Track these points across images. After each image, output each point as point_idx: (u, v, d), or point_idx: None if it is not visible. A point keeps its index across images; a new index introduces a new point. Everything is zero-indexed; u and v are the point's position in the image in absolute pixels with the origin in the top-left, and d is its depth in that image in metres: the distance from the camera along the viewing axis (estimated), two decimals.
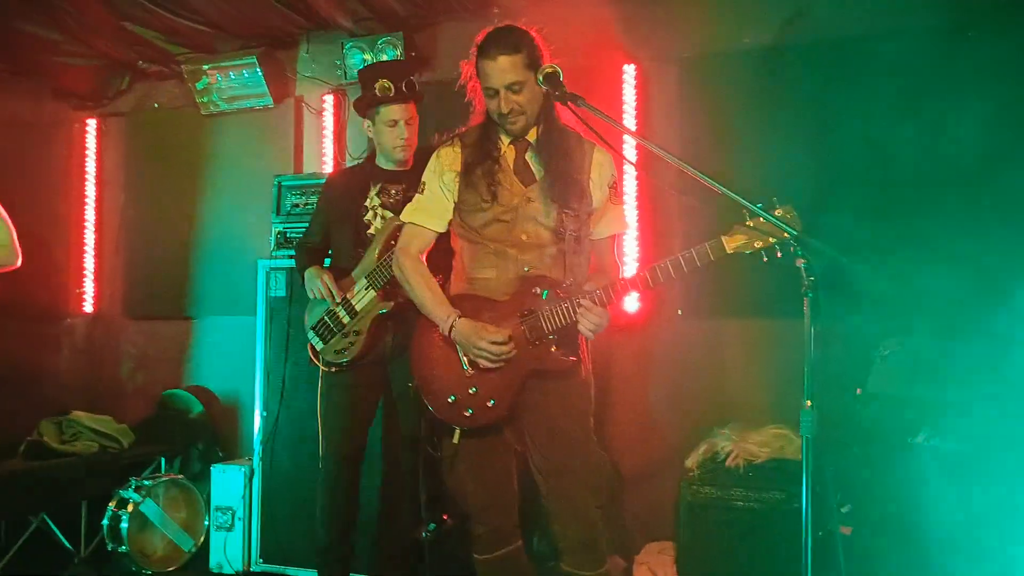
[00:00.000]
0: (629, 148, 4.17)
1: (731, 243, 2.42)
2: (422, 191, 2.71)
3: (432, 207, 2.69)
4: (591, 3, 4.33)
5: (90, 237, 5.52)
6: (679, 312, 4.19)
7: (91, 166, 5.54)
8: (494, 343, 2.51)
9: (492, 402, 2.56)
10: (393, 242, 3.22)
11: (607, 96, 4.25)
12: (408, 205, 2.77)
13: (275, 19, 4.71)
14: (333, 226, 3.49)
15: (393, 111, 3.33)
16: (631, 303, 4.21)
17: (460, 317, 2.56)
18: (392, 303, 3.28)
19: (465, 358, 2.58)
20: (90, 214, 5.52)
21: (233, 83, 5.02)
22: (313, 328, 3.45)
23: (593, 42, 4.30)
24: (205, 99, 5.11)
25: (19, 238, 4.82)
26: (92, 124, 5.56)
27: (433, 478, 2.85)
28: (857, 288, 3.34)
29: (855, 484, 3.29)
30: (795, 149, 3.91)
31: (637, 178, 4.25)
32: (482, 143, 2.65)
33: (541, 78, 2.51)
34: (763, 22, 4.10)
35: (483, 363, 2.54)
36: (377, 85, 3.33)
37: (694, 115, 4.19)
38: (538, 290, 2.57)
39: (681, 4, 4.27)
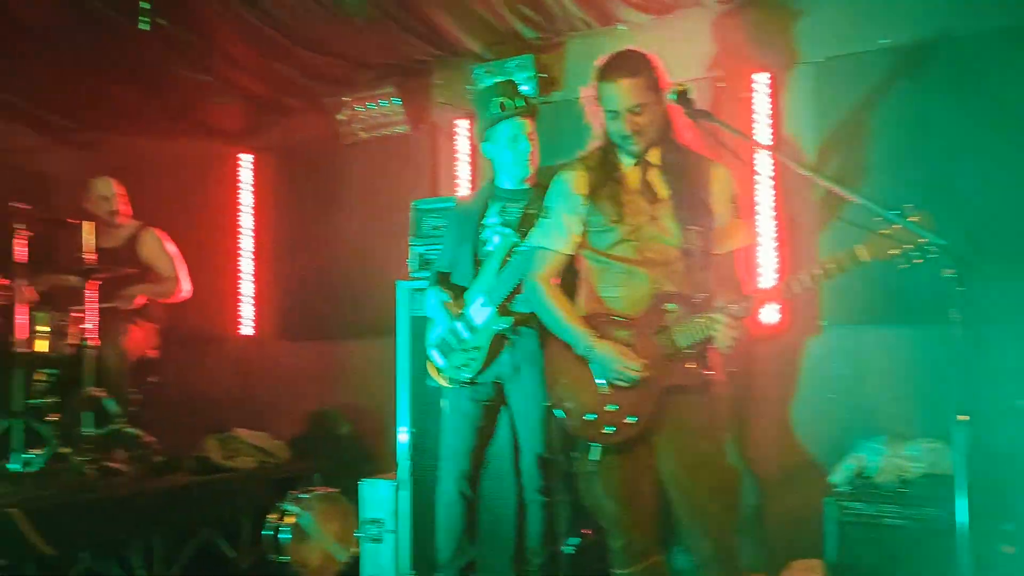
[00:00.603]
0: (764, 159, 4.12)
1: (866, 251, 2.38)
2: (547, 215, 2.79)
3: (559, 230, 2.76)
4: (717, 14, 4.30)
5: (247, 264, 5.88)
6: (822, 323, 4.08)
7: (246, 198, 5.91)
8: (630, 366, 2.54)
9: (632, 419, 2.59)
10: (508, 258, 3.31)
11: (738, 107, 4.20)
12: (534, 230, 2.84)
13: (408, 49, 4.90)
14: (456, 246, 3.57)
15: (512, 127, 3.38)
16: (769, 314, 4.13)
17: (597, 338, 2.61)
18: (510, 319, 3.31)
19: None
20: (247, 243, 5.89)
21: (372, 112, 5.25)
22: (434, 346, 3.52)
23: (722, 52, 4.27)
24: (346, 129, 5.37)
25: (189, 269, 5.23)
26: (246, 159, 5.93)
27: (572, 494, 2.89)
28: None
29: (1018, 501, 3.11)
30: (936, 151, 3.75)
31: (773, 189, 4.18)
32: (604, 165, 2.71)
33: (674, 96, 2.55)
34: (901, 19, 3.96)
35: (619, 383, 2.58)
36: (494, 102, 3.39)
37: (830, 120, 4.09)
38: (669, 307, 2.59)
39: (813, 6, 4.18)
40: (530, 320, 3.29)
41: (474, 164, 5.08)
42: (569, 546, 3.39)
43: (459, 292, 3.47)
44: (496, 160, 3.48)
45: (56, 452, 4.26)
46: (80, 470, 4.16)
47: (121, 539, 4.15)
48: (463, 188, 5.05)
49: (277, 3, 4.47)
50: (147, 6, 4.51)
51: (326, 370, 5.54)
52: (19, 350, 4.31)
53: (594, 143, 2.77)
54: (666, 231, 2.64)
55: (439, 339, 3.49)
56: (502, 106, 3.38)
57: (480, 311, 3.36)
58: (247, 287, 5.88)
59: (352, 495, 4.58)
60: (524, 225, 3.32)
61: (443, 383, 3.49)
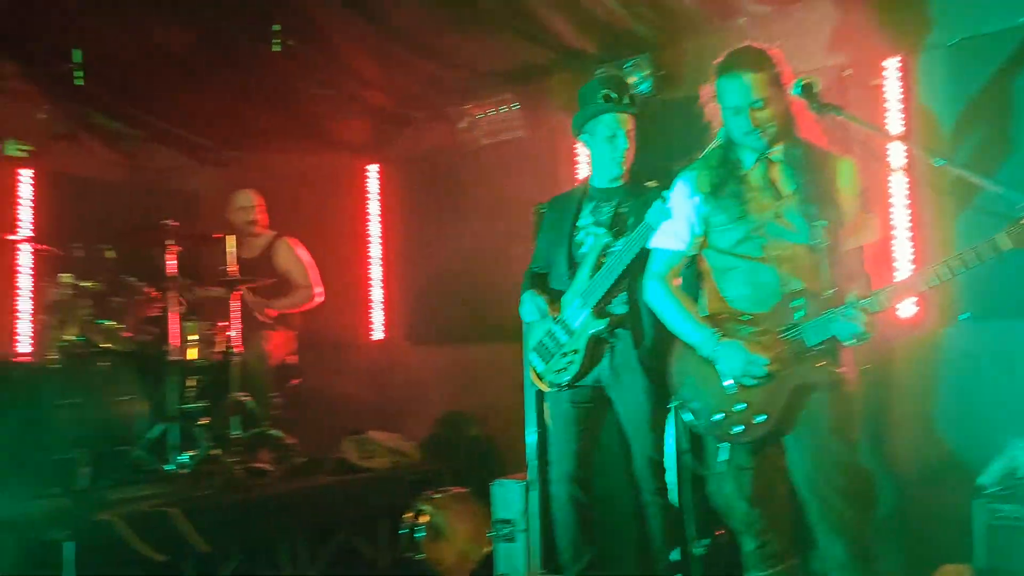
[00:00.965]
0: (896, 148, 3.96)
1: (1008, 240, 2.28)
2: (669, 216, 2.78)
3: (682, 231, 2.75)
4: (840, 4, 4.17)
5: (376, 272, 6.09)
6: (963, 316, 3.90)
7: (374, 207, 6.12)
8: (757, 363, 2.51)
9: (761, 418, 2.56)
10: (603, 259, 3.30)
11: (869, 96, 4.06)
12: (654, 230, 2.84)
13: (526, 54, 4.96)
14: (550, 248, 3.56)
15: (613, 121, 3.34)
16: (906, 308, 3.97)
17: (722, 337, 2.59)
18: (606, 321, 3.29)
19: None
20: (375, 251, 6.09)
21: (492, 119, 5.35)
22: (533, 350, 3.50)
23: (847, 40, 4.13)
24: (468, 137, 5.48)
25: (322, 277, 5.47)
26: (372, 169, 6.14)
27: (700, 495, 2.87)
28: None
29: None
30: None
31: (906, 178, 4.01)
32: (725, 163, 2.68)
33: (798, 90, 2.51)
34: None
35: (746, 382, 2.55)
36: (599, 94, 3.36)
37: (965, 105, 3.89)
38: (798, 304, 2.55)
39: None
40: (626, 321, 3.28)
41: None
42: (700, 547, 3.36)
43: (556, 295, 3.46)
44: (592, 155, 3.45)
45: (208, 454, 4.54)
46: (230, 471, 4.41)
47: (268, 537, 4.37)
48: None
49: (399, 18, 4.63)
50: (278, 28, 4.76)
51: (454, 373, 5.66)
52: (172, 358, 4.61)
53: (715, 141, 2.75)
54: (792, 227, 2.60)
55: (537, 343, 3.47)
56: (606, 98, 3.34)
57: (577, 314, 3.33)
58: (377, 293, 6.08)
59: (483, 495, 4.68)
60: (616, 225, 3.30)
61: (543, 387, 3.48)
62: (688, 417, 2.69)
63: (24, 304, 5.56)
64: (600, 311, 3.29)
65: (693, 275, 2.83)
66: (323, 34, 4.87)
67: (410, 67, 5.08)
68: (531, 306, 3.47)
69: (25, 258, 5.54)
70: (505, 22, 4.57)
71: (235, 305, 4.74)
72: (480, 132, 5.42)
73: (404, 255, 6.01)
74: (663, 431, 3.38)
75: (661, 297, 2.78)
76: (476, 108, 5.34)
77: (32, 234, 5.53)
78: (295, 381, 5.41)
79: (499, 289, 5.20)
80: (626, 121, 3.36)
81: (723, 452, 2.63)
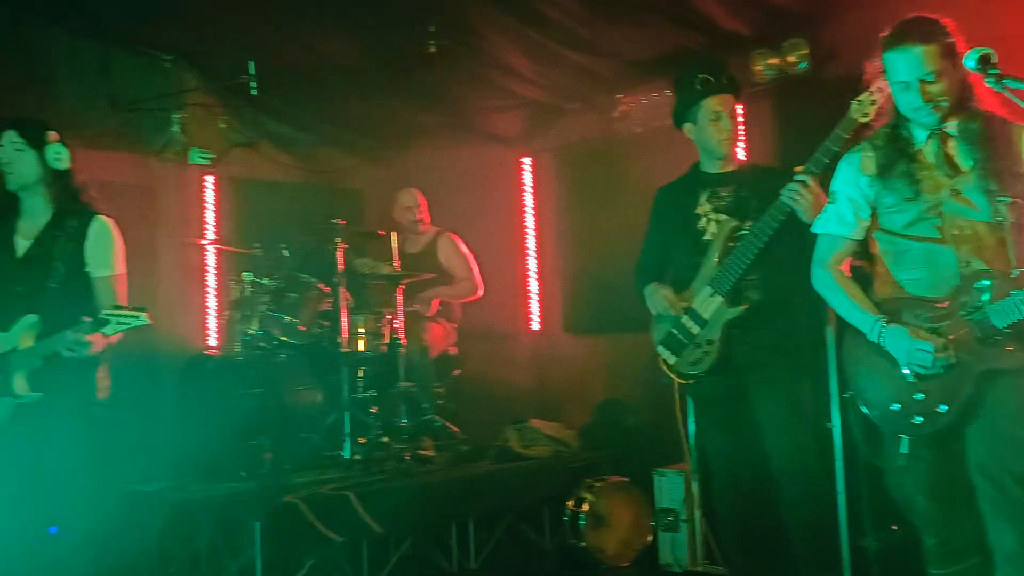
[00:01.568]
0: None
1: None
2: (834, 200, 2.68)
3: (847, 215, 2.65)
4: None
5: (532, 263, 6.18)
6: None
7: (528, 200, 6.21)
8: (924, 349, 2.40)
9: (943, 407, 2.44)
10: (731, 244, 3.19)
11: None
12: (819, 216, 2.75)
13: (678, 39, 4.89)
14: (668, 239, 3.48)
15: (715, 103, 3.26)
16: None
17: (888, 323, 2.49)
18: (742, 307, 3.19)
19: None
20: (531, 242, 6.19)
21: (645, 107, 5.31)
22: (662, 343, 3.40)
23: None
24: (621, 126, 5.47)
25: (480, 270, 5.62)
26: (527, 162, 6.23)
27: (875, 489, 2.77)
28: None
29: None
30: None
31: None
32: (895, 141, 2.56)
33: (975, 62, 2.37)
34: None
35: (921, 370, 2.44)
36: (697, 79, 3.29)
37: None
38: (982, 284, 2.41)
39: None
40: (763, 307, 3.17)
41: (748, 149, 4.98)
42: (876, 542, 3.24)
43: (679, 286, 3.37)
44: (698, 141, 3.37)
45: (378, 441, 4.76)
46: (399, 457, 4.61)
47: (436, 522, 4.54)
48: None
49: (549, 11, 4.67)
50: (434, 30, 4.92)
51: (612, 362, 5.68)
52: (344, 350, 4.86)
53: (878, 121, 2.64)
54: (972, 204, 2.46)
55: (666, 335, 3.37)
56: (704, 82, 3.27)
57: (708, 302, 3.24)
58: (533, 285, 6.17)
59: (642, 484, 4.68)
60: (740, 209, 3.21)
61: (677, 380, 3.40)
62: (863, 408, 2.59)
63: (211, 301, 6.00)
64: (734, 298, 3.20)
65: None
66: (476, 32, 4.99)
67: (561, 59, 5.13)
68: (657, 298, 3.38)
69: (211, 258, 5.98)
70: (656, 8, 4.53)
71: (399, 298, 4.93)
72: (633, 120, 5.40)
73: (559, 246, 6.07)
74: (808, 421, 3.28)
75: (828, 284, 2.69)
76: (628, 97, 5.32)
77: (216, 236, 5.95)
78: (457, 372, 5.58)
79: None
80: (728, 102, 3.29)
81: (903, 444, 2.52)
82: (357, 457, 4.74)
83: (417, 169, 6.61)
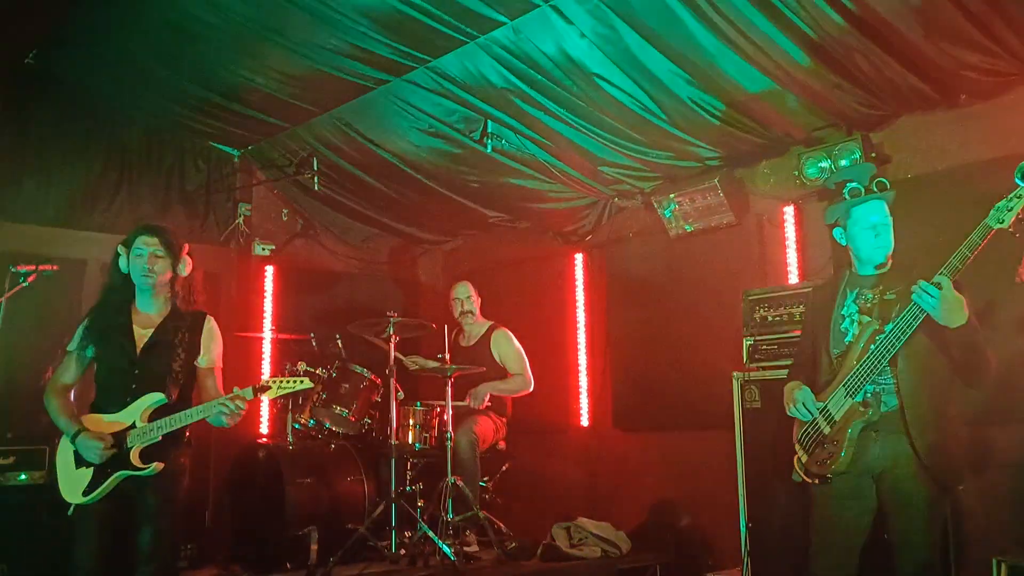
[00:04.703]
0: None
1: None
2: None
3: None
4: None
5: (582, 358, 6.18)
6: None
7: (580, 294, 6.26)
8: None
9: None
10: (873, 346, 3.18)
11: None
12: None
13: (732, 141, 4.98)
14: (815, 339, 3.47)
15: (866, 212, 3.29)
16: None
17: None
18: (870, 411, 3.14)
19: None
20: (581, 337, 6.20)
21: (697, 206, 5.35)
22: (798, 441, 3.42)
23: None
24: (673, 223, 5.52)
25: (531, 363, 5.65)
26: (579, 257, 6.30)
27: None
28: None
29: None
30: None
31: None
32: None
33: None
34: None
35: None
36: (847, 189, 3.35)
37: None
38: None
39: None
40: (896, 412, 3.13)
41: (801, 251, 4.99)
42: None
43: (817, 385, 3.37)
44: (852, 245, 3.38)
45: (424, 535, 4.72)
46: (446, 553, 4.57)
47: None
48: (792, 276, 4.96)
49: (606, 113, 4.82)
50: (491, 130, 5.10)
51: (662, 461, 5.59)
52: (393, 441, 4.88)
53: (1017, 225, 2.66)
54: None
55: (803, 433, 3.38)
56: (853, 192, 3.32)
57: (841, 403, 3.24)
58: (583, 380, 6.15)
59: None
60: (883, 311, 3.20)
61: (806, 480, 3.37)
62: None
63: None
64: (867, 402, 3.19)
65: None
66: (531, 130, 5.15)
67: (616, 157, 5.25)
68: (789, 397, 3.40)
69: (267, 346, 6.10)
70: (712, 115, 4.65)
71: (450, 391, 4.96)
72: (685, 218, 5.44)
73: (609, 341, 6.06)
74: (940, 526, 3.20)
75: None
76: (680, 195, 5.38)
77: (273, 325, 6.09)
78: (506, 466, 5.55)
79: (706, 376, 5.15)
80: (884, 207, 3.33)
81: None
82: (403, 552, 4.70)
83: (470, 261, 6.73)
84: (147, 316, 3.52)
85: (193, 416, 3.35)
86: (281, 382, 3.42)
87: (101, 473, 3.31)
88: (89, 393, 3.49)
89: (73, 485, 3.35)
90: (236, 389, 3.35)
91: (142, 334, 3.47)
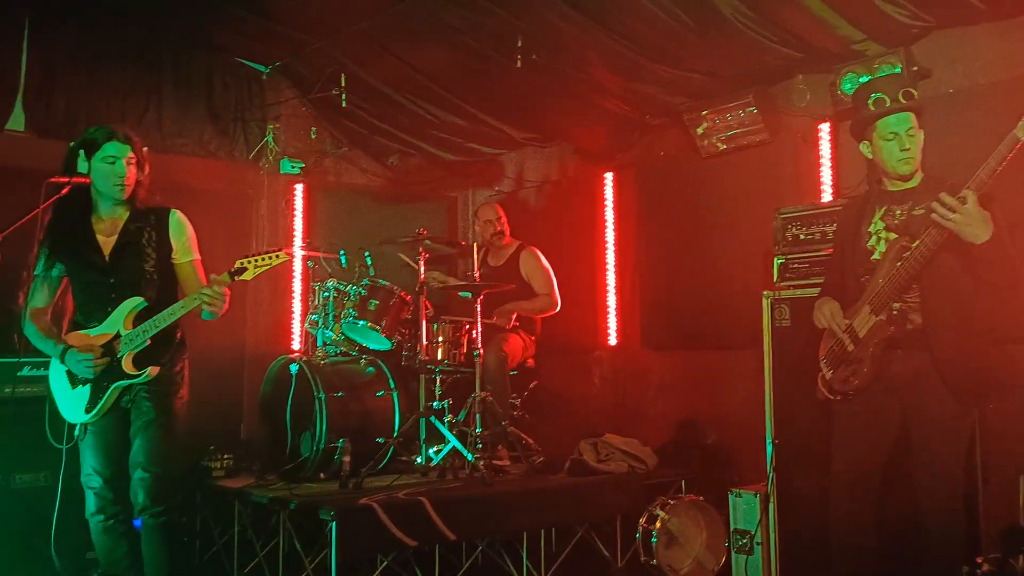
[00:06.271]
0: None
1: None
2: None
3: None
4: None
5: (611, 278, 6.17)
6: None
7: (609, 215, 6.21)
8: None
9: None
10: (899, 263, 3.13)
11: None
12: None
13: (768, 56, 4.83)
14: (843, 256, 3.45)
15: (891, 123, 3.21)
16: None
17: None
18: (895, 327, 3.13)
19: None
20: (610, 257, 6.18)
21: (730, 123, 5.25)
22: (824, 358, 3.43)
23: None
24: (705, 142, 5.42)
25: (559, 284, 5.65)
26: (608, 177, 6.24)
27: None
28: None
29: None
30: None
31: None
32: None
33: None
34: None
35: None
36: (872, 100, 3.24)
37: None
38: None
39: None
40: (920, 329, 3.11)
41: (836, 169, 4.89)
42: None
43: (845, 302, 3.35)
44: (878, 158, 3.30)
45: (452, 449, 4.81)
46: (474, 466, 4.66)
47: (508, 531, 4.56)
48: (826, 194, 4.88)
49: (637, 25, 4.68)
50: (521, 45, 4.99)
51: (690, 379, 5.63)
52: (422, 358, 4.94)
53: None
54: None
55: (827, 350, 3.39)
56: (884, 102, 3.22)
57: (865, 320, 3.22)
58: (611, 300, 6.16)
59: (719, 504, 4.62)
60: (912, 227, 3.15)
61: (829, 396, 3.39)
62: None
63: (296, 306, 6.17)
64: (892, 319, 3.17)
65: None
66: (563, 46, 5.03)
67: (648, 73, 5.13)
68: (820, 312, 3.40)
69: (297, 264, 6.15)
70: (746, 24, 4.50)
71: (479, 309, 4.99)
72: (718, 137, 5.34)
73: (638, 261, 6.04)
74: (964, 440, 3.21)
75: None
76: (714, 112, 5.28)
77: (303, 242, 6.13)
78: (534, 383, 5.61)
79: (735, 295, 5.14)
80: (909, 120, 3.23)
81: None
82: (432, 464, 4.80)
83: (500, 181, 6.69)
84: (110, 222, 3.42)
85: (176, 312, 3.29)
86: (257, 260, 3.30)
87: (98, 387, 3.32)
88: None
89: (74, 405, 3.37)
90: (212, 276, 3.30)
91: (107, 241, 3.39)
